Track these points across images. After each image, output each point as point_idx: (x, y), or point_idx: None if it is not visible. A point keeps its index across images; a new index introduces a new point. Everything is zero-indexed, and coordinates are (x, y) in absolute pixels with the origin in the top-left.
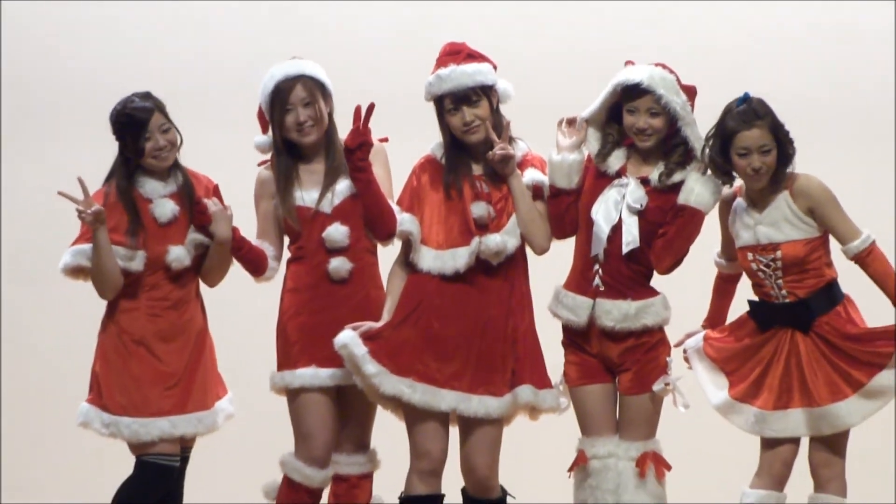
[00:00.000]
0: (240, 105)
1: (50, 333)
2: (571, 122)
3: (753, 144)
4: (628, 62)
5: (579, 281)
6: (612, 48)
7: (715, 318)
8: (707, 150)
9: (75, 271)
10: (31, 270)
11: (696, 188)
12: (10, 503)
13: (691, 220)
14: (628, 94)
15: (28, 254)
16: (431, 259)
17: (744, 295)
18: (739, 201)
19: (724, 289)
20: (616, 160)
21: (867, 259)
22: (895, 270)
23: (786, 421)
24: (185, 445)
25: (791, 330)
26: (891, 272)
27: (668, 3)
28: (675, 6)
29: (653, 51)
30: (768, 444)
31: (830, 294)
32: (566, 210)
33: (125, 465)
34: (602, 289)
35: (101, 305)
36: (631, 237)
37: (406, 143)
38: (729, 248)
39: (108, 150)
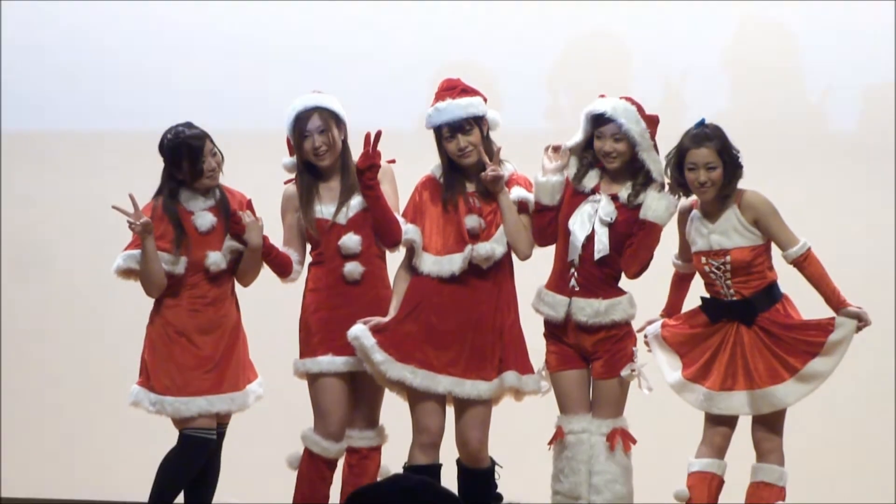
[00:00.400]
0: (266, 131)
1: (49, 331)
2: (556, 149)
3: (700, 161)
4: (601, 95)
5: (558, 282)
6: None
7: (671, 308)
8: (668, 166)
9: (126, 273)
10: (30, 269)
11: (652, 205)
12: (9, 497)
13: (651, 233)
14: (596, 122)
15: (28, 253)
16: (431, 263)
17: (698, 292)
18: (695, 212)
19: (679, 285)
20: (590, 180)
21: (804, 263)
22: (828, 273)
23: (730, 401)
24: (221, 422)
25: (737, 323)
26: (824, 275)
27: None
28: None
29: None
30: (711, 420)
31: (771, 293)
32: (548, 223)
33: (116, 464)
34: (577, 289)
35: (98, 305)
36: (602, 245)
37: (410, 164)
38: (685, 251)
39: (108, 149)
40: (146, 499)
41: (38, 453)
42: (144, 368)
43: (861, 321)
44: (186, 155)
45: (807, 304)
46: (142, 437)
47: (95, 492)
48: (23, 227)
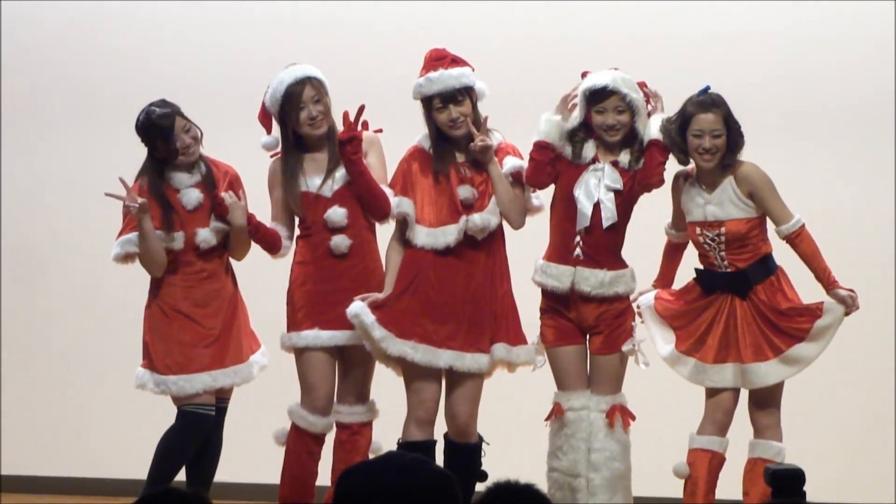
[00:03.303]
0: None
1: (47, 328)
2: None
3: (707, 127)
4: (584, 73)
5: (561, 252)
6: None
7: (664, 279)
8: (668, 130)
9: (125, 258)
10: (30, 268)
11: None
12: (8, 474)
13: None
14: (596, 97)
15: (27, 252)
16: (425, 236)
17: (692, 264)
18: (691, 181)
19: (672, 255)
20: (588, 150)
21: (796, 240)
22: (820, 251)
23: (723, 373)
24: (222, 396)
25: (731, 295)
26: (817, 252)
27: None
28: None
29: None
30: (712, 397)
31: (765, 265)
32: (548, 162)
33: (115, 442)
34: (582, 258)
35: (93, 302)
36: (610, 213)
37: (397, 134)
38: (679, 220)
39: (106, 149)
40: (145, 476)
41: (37, 431)
42: (147, 351)
43: (848, 307)
44: (158, 136)
45: (800, 278)
46: (141, 415)
47: (95, 469)
48: (20, 221)
